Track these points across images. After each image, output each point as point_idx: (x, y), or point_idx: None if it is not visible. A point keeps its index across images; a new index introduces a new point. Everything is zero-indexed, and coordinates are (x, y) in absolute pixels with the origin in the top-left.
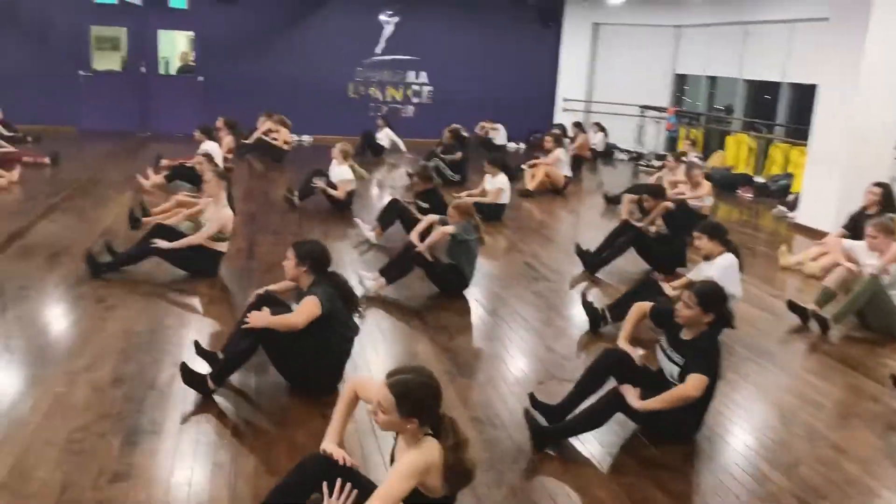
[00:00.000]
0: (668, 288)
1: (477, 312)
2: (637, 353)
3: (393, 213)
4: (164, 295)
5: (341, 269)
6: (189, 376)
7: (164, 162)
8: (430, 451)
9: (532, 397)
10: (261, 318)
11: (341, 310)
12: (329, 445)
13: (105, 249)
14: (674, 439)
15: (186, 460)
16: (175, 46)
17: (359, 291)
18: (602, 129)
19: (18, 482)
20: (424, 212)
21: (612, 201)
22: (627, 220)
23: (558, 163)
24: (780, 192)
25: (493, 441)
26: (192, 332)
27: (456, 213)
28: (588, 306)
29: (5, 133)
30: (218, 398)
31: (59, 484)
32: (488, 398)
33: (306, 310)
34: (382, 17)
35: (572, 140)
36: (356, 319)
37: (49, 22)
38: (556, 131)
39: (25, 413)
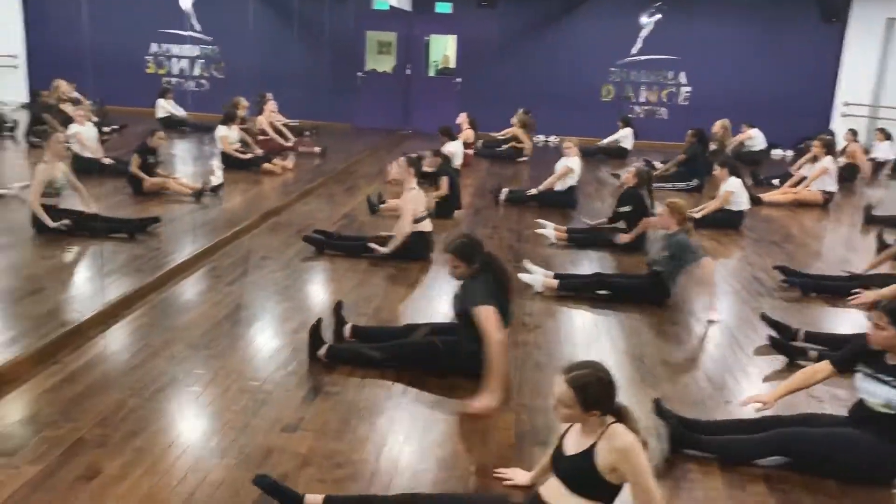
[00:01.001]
0: None
1: (679, 321)
2: None
3: (590, 240)
4: (379, 273)
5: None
6: (314, 333)
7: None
8: (630, 435)
9: (658, 404)
10: (485, 403)
11: (500, 300)
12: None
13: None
14: (864, 479)
15: (352, 422)
16: (446, 50)
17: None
18: (888, 136)
19: (210, 419)
20: (622, 216)
21: (873, 222)
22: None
23: (823, 176)
24: None
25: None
26: (392, 307)
27: (667, 214)
28: (771, 323)
29: (289, 123)
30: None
31: (240, 426)
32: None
33: (494, 323)
34: (644, 18)
35: (843, 150)
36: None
37: (333, 27)
38: (827, 137)
39: (234, 361)
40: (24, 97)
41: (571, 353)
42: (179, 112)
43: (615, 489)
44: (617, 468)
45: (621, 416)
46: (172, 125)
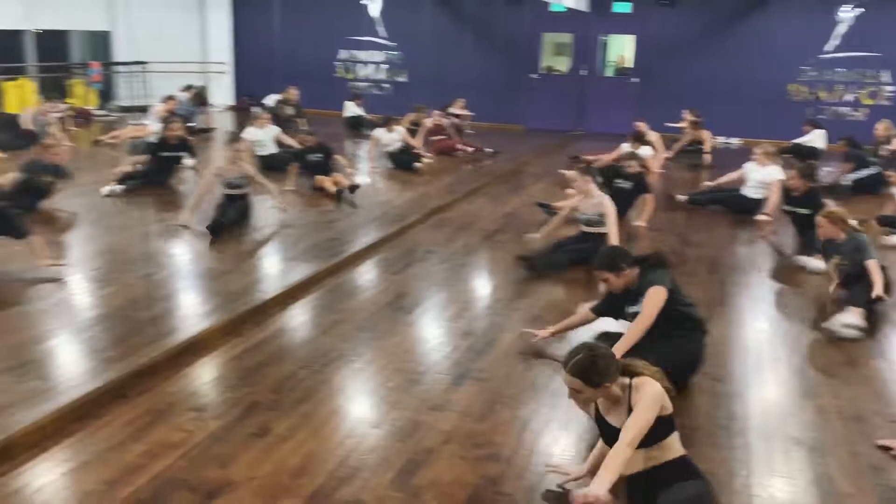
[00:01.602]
0: None
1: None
2: None
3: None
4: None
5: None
6: None
7: (586, 158)
8: (652, 382)
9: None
10: (621, 346)
11: (680, 289)
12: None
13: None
14: None
15: (495, 407)
16: (623, 49)
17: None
18: None
19: (368, 394)
20: (801, 218)
21: None
22: None
23: None
24: None
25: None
26: (554, 306)
27: (829, 224)
28: None
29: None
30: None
31: (393, 402)
32: (819, 421)
33: (654, 301)
34: (841, 12)
35: None
36: None
37: (509, 30)
38: None
39: (393, 343)
40: (231, 100)
41: (726, 359)
42: (364, 114)
43: (667, 420)
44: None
45: (631, 371)
46: (356, 126)
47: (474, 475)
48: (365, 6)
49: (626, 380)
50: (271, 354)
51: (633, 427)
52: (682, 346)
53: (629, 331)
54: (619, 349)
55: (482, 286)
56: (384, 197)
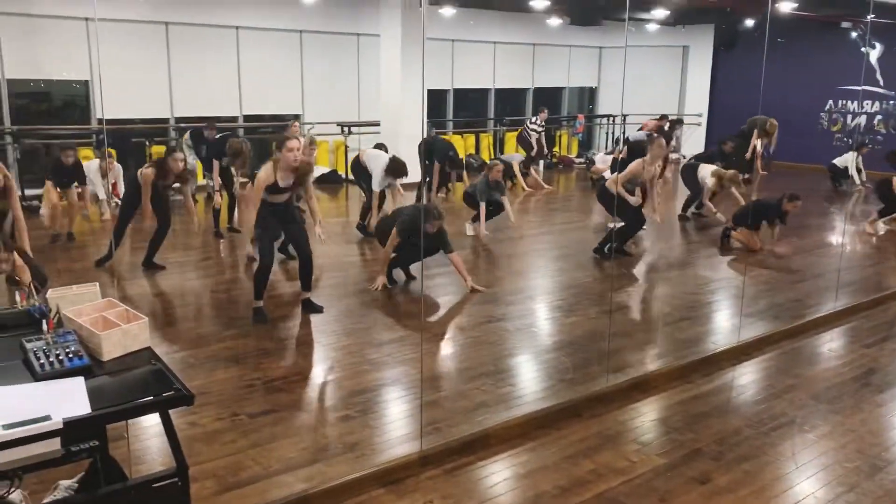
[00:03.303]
0: None
1: None
2: None
3: None
4: None
5: None
6: None
7: None
8: None
9: None
10: None
11: None
12: None
13: None
14: None
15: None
16: None
17: None
18: None
19: (823, 469)
20: None
21: None
22: None
23: None
24: None
25: None
26: None
27: None
28: None
29: None
30: None
31: (849, 484)
32: None
33: None
34: None
35: None
36: None
37: None
38: None
39: (857, 421)
40: (700, 150)
41: None
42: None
43: None
44: None
45: None
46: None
47: None
48: (866, 53)
49: None
50: (717, 406)
51: None
52: None
53: None
54: None
55: None
56: (863, 261)
